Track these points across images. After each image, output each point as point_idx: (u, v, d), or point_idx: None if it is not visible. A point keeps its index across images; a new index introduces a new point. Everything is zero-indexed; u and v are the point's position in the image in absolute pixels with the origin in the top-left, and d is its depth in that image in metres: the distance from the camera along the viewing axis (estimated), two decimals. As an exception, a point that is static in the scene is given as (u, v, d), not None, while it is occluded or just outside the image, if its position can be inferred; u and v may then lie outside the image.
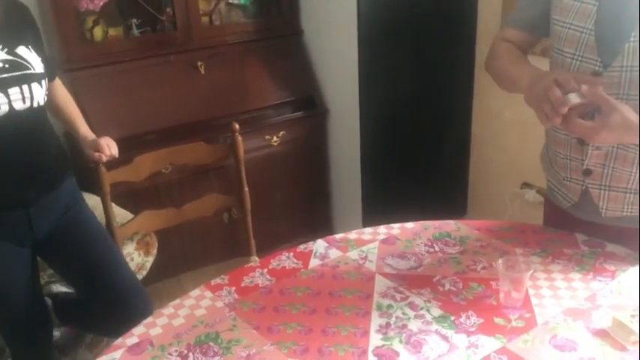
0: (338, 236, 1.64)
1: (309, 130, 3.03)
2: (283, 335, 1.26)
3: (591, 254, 1.50)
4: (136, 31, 2.73)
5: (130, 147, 2.20)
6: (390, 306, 1.34)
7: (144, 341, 1.26)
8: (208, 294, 1.41)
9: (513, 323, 1.27)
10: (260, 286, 1.44)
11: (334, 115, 3.06)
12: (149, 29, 2.77)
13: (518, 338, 1.23)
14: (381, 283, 1.42)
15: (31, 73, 1.63)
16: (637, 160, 1.38)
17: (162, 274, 2.25)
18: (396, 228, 1.66)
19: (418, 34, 2.84)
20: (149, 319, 1.33)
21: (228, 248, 2.67)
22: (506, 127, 2.94)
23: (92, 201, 2.03)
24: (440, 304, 1.34)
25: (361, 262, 1.52)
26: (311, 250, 1.57)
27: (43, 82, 1.66)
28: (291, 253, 1.57)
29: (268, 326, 1.29)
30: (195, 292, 1.42)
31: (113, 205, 2.01)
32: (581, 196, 1.50)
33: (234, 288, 1.43)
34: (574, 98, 1.25)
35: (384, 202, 2.98)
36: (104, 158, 1.85)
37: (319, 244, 1.60)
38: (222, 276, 1.48)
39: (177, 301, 1.39)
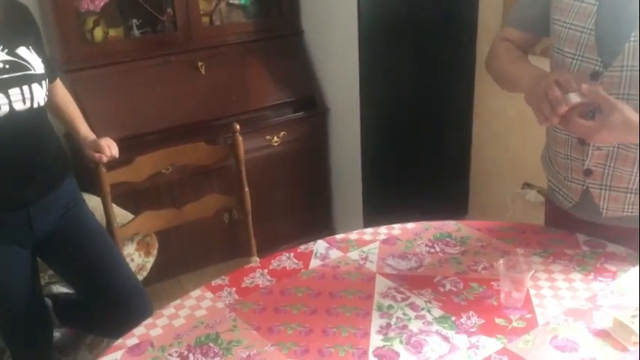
0: (338, 236, 1.64)
1: (309, 131, 3.02)
2: (284, 336, 1.26)
3: (592, 254, 1.50)
4: (136, 32, 2.72)
5: (130, 147, 2.20)
6: (390, 306, 1.34)
7: (144, 342, 1.26)
8: (209, 295, 1.41)
9: (514, 324, 1.27)
10: (260, 286, 1.44)
11: (335, 116, 3.06)
12: (149, 30, 2.77)
13: (519, 339, 1.23)
14: (381, 284, 1.42)
15: (32, 74, 1.63)
16: (637, 160, 1.38)
17: (163, 274, 2.25)
18: (396, 228, 1.66)
19: (418, 33, 2.84)
20: (149, 320, 1.33)
21: (229, 249, 2.67)
22: (507, 127, 2.94)
23: (92, 201, 2.03)
24: (440, 304, 1.34)
25: (362, 262, 1.51)
26: (311, 251, 1.57)
27: (43, 82, 1.66)
28: (292, 254, 1.56)
29: (269, 327, 1.29)
30: (196, 293, 1.41)
31: (113, 205, 2.01)
32: (581, 196, 1.50)
33: (234, 289, 1.43)
34: (574, 98, 1.25)
35: (385, 202, 2.98)
36: (104, 159, 1.85)
37: (320, 245, 1.60)
38: (223, 277, 1.48)
39: (178, 301, 1.38)
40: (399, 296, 1.37)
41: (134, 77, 2.65)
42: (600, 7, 1.34)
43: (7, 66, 1.58)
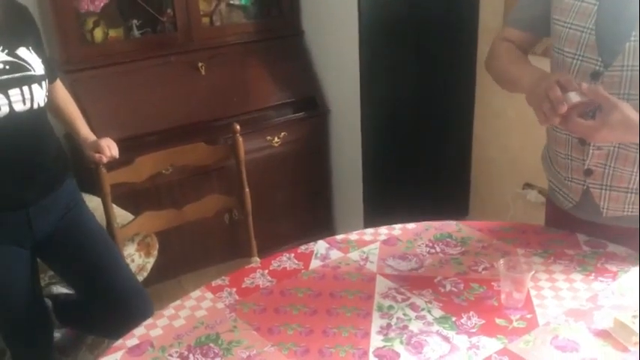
0: (339, 237, 1.63)
1: (310, 131, 3.02)
2: (284, 336, 1.26)
3: (593, 254, 1.50)
4: (136, 32, 2.72)
5: (130, 148, 2.20)
6: (391, 307, 1.34)
7: (144, 342, 1.26)
8: (209, 295, 1.41)
9: (515, 324, 1.27)
10: (261, 287, 1.44)
11: (335, 116, 3.06)
12: (149, 30, 2.77)
13: (520, 339, 1.23)
14: (382, 284, 1.42)
15: (32, 75, 1.63)
16: (638, 160, 1.38)
17: (163, 275, 2.25)
18: (397, 229, 1.66)
19: (419, 34, 2.84)
20: (149, 321, 1.32)
21: (229, 249, 2.66)
22: (508, 127, 2.94)
23: (93, 202, 2.03)
24: (441, 305, 1.34)
25: (362, 262, 1.51)
26: (312, 251, 1.57)
27: (43, 83, 1.67)
28: (292, 254, 1.56)
29: (269, 327, 1.29)
30: (196, 293, 1.41)
31: (114, 206, 2.01)
32: (582, 196, 1.50)
33: (234, 289, 1.43)
34: (574, 97, 1.25)
35: (386, 202, 2.98)
36: (104, 159, 1.85)
37: (320, 245, 1.60)
38: (223, 277, 1.48)
39: (178, 302, 1.38)
40: (399, 297, 1.37)
41: (134, 78, 2.65)
42: (601, 7, 1.34)
43: (7, 67, 1.58)
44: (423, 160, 3.08)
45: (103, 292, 1.85)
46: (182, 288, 2.06)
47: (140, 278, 2.21)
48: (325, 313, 1.33)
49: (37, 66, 1.65)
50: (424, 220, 1.69)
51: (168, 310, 1.35)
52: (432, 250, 1.56)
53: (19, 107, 1.59)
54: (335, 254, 1.55)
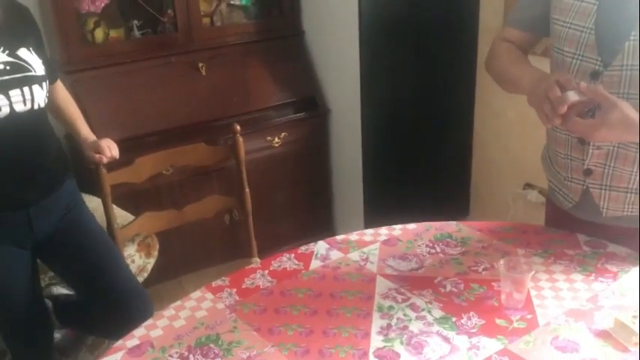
0: (339, 237, 1.63)
1: (310, 131, 3.02)
2: (284, 337, 1.26)
3: (593, 255, 1.50)
4: (137, 33, 2.73)
5: (130, 148, 2.20)
6: (391, 307, 1.34)
7: (144, 343, 1.26)
8: (209, 295, 1.41)
9: (515, 324, 1.27)
10: (261, 287, 1.44)
11: (336, 116, 3.06)
12: (150, 31, 2.77)
13: (520, 339, 1.23)
14: (382, 285, 1.42)
15: (32, 75, 1.63)
16: (637, 160, 1.38)
17: (164, 275, 2.25)
18: (397, 229, 1.66)
19: (419, 34, 2.84)
20: (149, 321, 1.32)
21: (230, 250, 2.66)
22: (508, 128, 2.94)
23: (93, 203, 2.03)
24: (441, 305, 1.34)
25: (362, 263, 1.51)
26: (312, 252, 1.57)
27: (43, 84, 1.67)
28: (292, 255, 1.56)
29: (269, 328, 1.29)
30: (196, 294, 1.41)
31: (114, 206, 2.01)
32: (581, 196, 1.50)
33: (235, 289, 1.43)
34: (572, 96, 1.24)
35: (386, 202, 2.98)
36: (105, 160, 1.85)
37: (320, 246, 1.60)
38: (223, 277, 1.48)
39: (178, 302, 1.38)
40: (399, 297, 1.37)
41: (135, 78, 2.65)
42: (600, 7, 1.34)
43: (7, 67, 1.58)
44: (423, 160, 3.08)
45: (103, 292, 1.85)
46: (182, 288, 2.06)
47: (140, 279, 2.22)
48: (325, 313, 1.33)
49: (37, 67, 1.66)
50: (425, 221, 1.69)
51: (169, 311, 1.35)
52: (433, 251, 1.56)
53: (19, 108, 1.59)
54: (335, 255, 1.55)
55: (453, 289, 1.40)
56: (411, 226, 1.67)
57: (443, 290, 1.39)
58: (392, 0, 2.74)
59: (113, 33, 2.68)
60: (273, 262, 1.54)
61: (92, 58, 2.59)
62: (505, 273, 1.32)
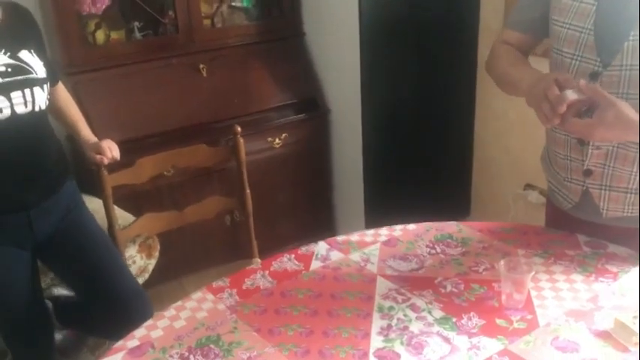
0: (339, 238, 1.64)
1: (311, 132, 3.03)
2: (284, 337, 1.26)
3: (593, 255, 1.50)
4: (138, 34, 2.73)
5: (131, 150, 2.20)
6: (391, 308, 1.34)
7: (145, 344, 1.26)
8: (210, 296, 1.41)
9: (515, 325, 1.27)
10: (261, 288, 1.44)
11: (336, 117, 3.06)
12: (151, 32, 2.77)
13: (520, 340, 1.23)
14: (382, 285, 1.42)
15: (33, 78, 1.64)
16: (637, 160, 1.38)
17: (165, 276, 2.25)
18: (397, 229, 1.66)
19: (420, 34, 2.84)
20: (150, 322, 1.33)
21: (230, 250, 2.67)
22: (509, 128, 2.94)
23: (94, 204, 2.03)
24: (441, 305, 1.34)
25: (363, 264, 1.51)
26: (312, 252, 1.57)
27: (45, 86, 1.67)
28: (293, 255, 1.56)
29: (269, 328, 1.29)
30: (197, 295, 1.42)
31: (115, 207, 2.01)
32: (581, 197, 1.50)
33: (235, 290, 1.43)
34: (571, 94, 1.24)
35: (387, 203, 2.97)
36: (106, 161, 1.85)
37: (321, 246, 1.60)
38: (224, 278, 1.48)
39: (179, 303, 1.38)
40: (399, 297, 1.37)
41: (136, 80, 2.65)
42: (599, 7, 1.34)
43: (9, 69, 1.59)
44: (424, 161, 3.08)
45: (102, 293, 1.85)
46: (183, 289, 2.06)
47: (141, 280, 2.22)
48: (326, 314, 1.33)
49: (38, 69, 1.66)
50: (426, 221, 1.69)
51: (169, 311, 1.36)
52: (433, 251, 1.56)
53: (20, 110, 1.60)
54: (335, 255, 1.55)
55: (454, 289, 1.40)
56: (412, 226, 1.67)
57: (443, 291, 1.39)
58: (392, 0, 2.75)
59: (114, 34, 2.69)
60: (273, 262, 1.54)
61: (93, 59, 2.59)
62: (505, 273, 1.32)
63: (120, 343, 1.27)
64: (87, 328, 2.13)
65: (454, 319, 1.29)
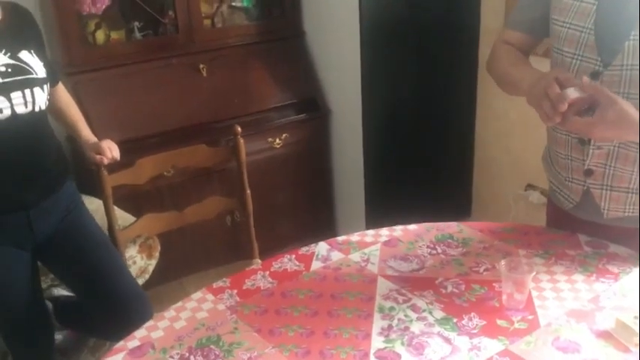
0: (340, 238, 1.63)
1: (311, 133, 3.03)
2: (285, 338, 1.26)
3: (594, 255, 1.49)
4: (138, 34, 2.73)
5: (131, 150, 2.20)
6: (392, 308, 1.34)
7: (145, 344, 1.26)
8: (210, 297, 1.41)
9: (516, 325, 1.27)
10: (262, 288, 1.44)
11: (337, 117, 3.06)
12: (151, 32, 2.77)
13: (521, 340, 1.22)
14: (383, 286, 1.42)
15: (34, 78, 1.64)
16: (638, 160, 1.38)
17: (165, 277, 2.25)
18: (398, 230, 1.66)
19: (420, 35, 2.84)
20: (150, 322, 1.33)
21: (231, 251, 2.67)
22: (509, 128, 2.94)
23: (94, 204, 2.03)
24: (442, 306, 1.34)
25: (363, 264, 1.51)
26: (313, 253, 1.57)
27: (45, 86, 1.67)
28: (293, 256, 1.56)
29: (270, 329, 1.29)
30: (197, 295, 1.41)
31: (115, 208, 2.01)
32: (582, 197, 1.50)
33: (235, 291, 1.43)
34: (572, 93, 1.23)
35: (388, 203, 2.97)
36: (106, 161, 1.85)
37: (321, 247, 1.59)
38: (224, 278, 1.48)
39: (179, 303, 1.38)
40: (400, 298, 1.37)
41: (136, 80, 2.65)
42: (599, 7, 1.34)
43: (9, 70, 1.59)
44: (425, 161, 3.08)
45: (102, 294, 1.85)
46: (184, 290, 2.06)
47: (142, 280, 2.22)
48: (326, 314, 1.33)
49: (39, 69, 1.66)
50: (426, 221, 1.69)
51: (169, 312, 1.35)
52: (433, 251, 1.55)
53: (20, 110, 1.60)
54: (336, 255, 1.55)
55: (454, 289, 1.39)
56: (412, 226, 1.67)
57: (444, 291, 1.39)
58: (393, 1, 2.75)
59: (114, 34, 2.69)
60: (274, 263, 1.54)
61: (93, 59, 2.59)
62: (506, 274, 1.31)
63: (120, 343, 1.26)
64: (86, 329, 2.12)
65: (455, 320, 1.29)
